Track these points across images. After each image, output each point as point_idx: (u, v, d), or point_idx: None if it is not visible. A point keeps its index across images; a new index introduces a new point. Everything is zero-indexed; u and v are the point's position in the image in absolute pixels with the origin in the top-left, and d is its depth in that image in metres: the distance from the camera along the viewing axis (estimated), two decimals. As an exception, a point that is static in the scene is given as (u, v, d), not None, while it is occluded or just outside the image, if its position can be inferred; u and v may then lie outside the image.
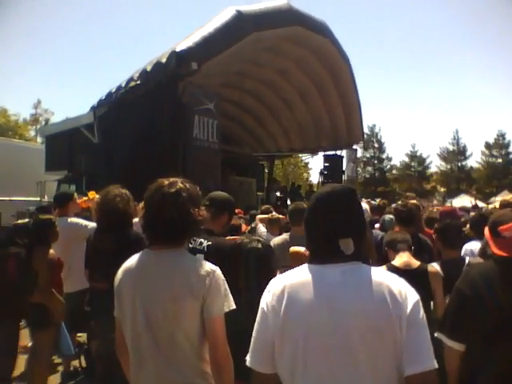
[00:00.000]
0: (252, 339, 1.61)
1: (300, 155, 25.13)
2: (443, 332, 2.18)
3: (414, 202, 5.30)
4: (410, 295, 1.46)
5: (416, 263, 3.46)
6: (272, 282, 1.65)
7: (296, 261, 3.65)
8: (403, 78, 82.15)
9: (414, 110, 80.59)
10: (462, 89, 78.70)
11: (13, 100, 74.60)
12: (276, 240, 4.46)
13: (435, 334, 2.18)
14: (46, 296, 4.08)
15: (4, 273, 4.10)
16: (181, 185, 2.09)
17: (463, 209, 9.50)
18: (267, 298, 1.59)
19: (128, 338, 2.05)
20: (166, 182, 2.10)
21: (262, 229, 6.04)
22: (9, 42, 65.04)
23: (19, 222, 4.53)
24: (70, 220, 5.06)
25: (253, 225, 6.20)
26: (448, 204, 21.27)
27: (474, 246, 4.02)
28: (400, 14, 75.52)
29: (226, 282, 2.03)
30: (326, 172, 17.90)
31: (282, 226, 6.23)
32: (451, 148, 49.40)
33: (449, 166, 49.45)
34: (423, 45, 79.63)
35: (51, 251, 4.31)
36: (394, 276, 1.54)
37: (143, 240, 3.40)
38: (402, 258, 3.48)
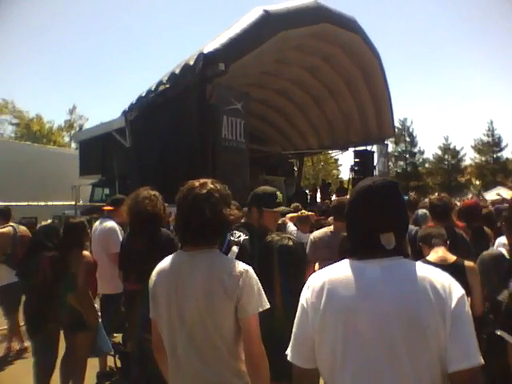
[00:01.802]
0: (292, 335, 1.61)
1: (330, 152, 24.96)
2: (506, 329, 2.11)
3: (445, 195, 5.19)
4: (454, 290, 1.41)
5: (452, 258, 3.38)
6: (311, 277, 1.63)
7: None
8: (435, 69, 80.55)
9: (447, 101, 78.88)
10: (496, 78, 76.48)
11: (48, 107, 76.39)
12: (317, 233, 4.45)
13: (497, 332, 2.12)
14: (81, 300, 4.16)
15: (40, 276, 4.14)
16: (211, 185, 2.12)
17: (496, 202, 9.30)
18: (307, 294, 1.58)
19: (164, 338, 2.08)
20: (197, 184, 2.12)
21: (291, 227, 6.02)
22: (43, 50, 66.85)
23: (43, 223, 4.57)
24: (108, 225, 5.20)
25: (279, 221, 6.18)
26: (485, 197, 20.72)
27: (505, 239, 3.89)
28: (432, 4, 74.01)
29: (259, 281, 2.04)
30: (356, 168, 17.74)
31: (312, 223, 6.20)
32: (486, 139, 48.08)
33: (484, 158, 48.12)
34: (454, 35, 77.83)
35: (86, 253, 4.40)
36: (438, 270, 1.50)
37: (174, 241, 3.45)
38: (438, 253, 3.41)
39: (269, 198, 3.34)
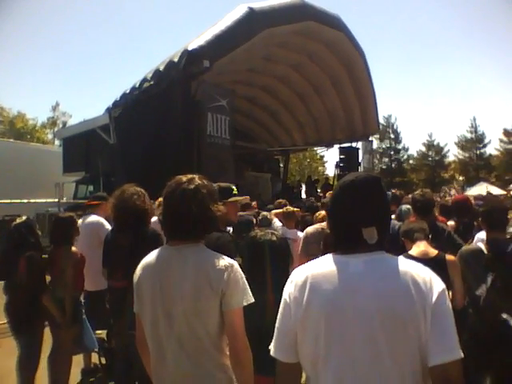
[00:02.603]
0: (275, 329, 1.61)
1: (315, 148, 25.07)
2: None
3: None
4: (435, 284, 1.43)
5: (433, 252, 3.43)
6: (294, 272, 1.63)
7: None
8: (418, 66, 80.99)
9: (430, 98, 79.28)
10: (479, 76, 77.35)
11: (31, 104, 75.51)
12: (310, 229, 4.53)
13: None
14: (65, 297, 4.14)
15: (16, 277, 4.09)
16: (199, 181, 2.13)
17: (479, 197, 9.42)
18: (290, 289, 1.58)
19: (148, 332, 2.08)
20: (185, 179, 2.13)
21: (277, 223, 6.04)
22: (26, 48, 66.05)
23: (18, 221, 4.45)
24: (95, 220, 5.18)
25: (260, 217, 6.20)
26: (466, 192, 20.96)
27: (484, 235, 3.95)
28: (416, 3, 74.51)
29: (244, 276, 2.06)
30: (342, 164, 17.77)
31: (298, 219, 6.23)
32: (469, 136, 48.56)
33: (467, 155, 48.61)
34: (439, 33, 78.43)
35: (74, 249, 4.37)
36: (419, 265, 1.51)
37: (160, 237, 3.44)
38: (419, 248, 3.46)
39: (225, 192, 3.48)
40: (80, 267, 4.35)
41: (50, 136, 44.90)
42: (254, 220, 6.05)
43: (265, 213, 6.32)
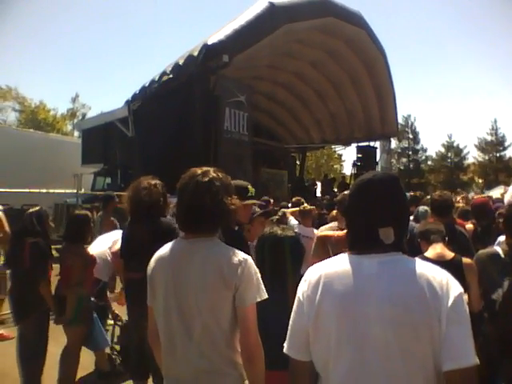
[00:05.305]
0: (289, 327, 1.61)
1: (333, 147, 24.96)
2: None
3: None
4: (451, 288, 1.38)
5: (450, 255, 3.38)
6: (308, 270, 1.62)
7: (322, 246, 3.64)
8: (439, 66, 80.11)
9: (451, 99, 78.27)
10: (501, 77, 76.02)
11: (52, 95, 76.29)
12: (323, 228, 4.49)
13: None
14: (70, 293, 4.15)
15: (20, 262, 4.15)
16: (214, 174, 2.10)
17: (499, 200, 9.28)
18: (303, 287, 1.57)
19: (160, 325, 2.08)
20: (199, 171, 2.10)
21: (292, 221, 6.02)
22: (48, 39, 66.73)
23: (31, 210, 4.45)
24: None
25: (280, 213, 6.18)
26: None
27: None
28: (436, 1, 73.51)
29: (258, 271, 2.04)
30: (359, 163, 17.69)
31: (314, 216, 6.21)
32: (489, 138, 47.87)
33: (487, 157, 47.96)
34: (459, 33, 77.46)
35: (85, 247, 4.41)
36: (436, 268, 1.46)
37: (176, 230, 3.45)
38: (436, 250, 3.40)
39: (240, 192, 3.22)
40: (90, 267, 4.33)
41: (69, 127, 45.42)
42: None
43: (283, 209, 6.32)
